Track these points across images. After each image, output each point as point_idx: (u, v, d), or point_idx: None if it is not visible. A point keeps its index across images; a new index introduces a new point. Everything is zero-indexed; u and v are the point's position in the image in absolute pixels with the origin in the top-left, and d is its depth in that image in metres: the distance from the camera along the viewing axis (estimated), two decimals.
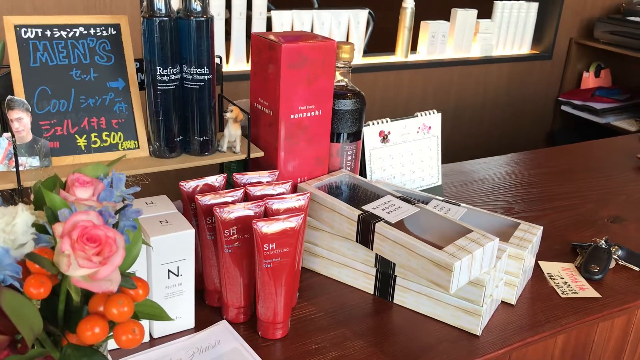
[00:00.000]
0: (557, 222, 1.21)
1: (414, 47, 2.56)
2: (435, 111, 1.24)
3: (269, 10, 2.23)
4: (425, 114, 1.21)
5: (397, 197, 0.94)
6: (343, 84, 1.02)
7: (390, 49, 2.54)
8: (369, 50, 2.62)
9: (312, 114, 0.95)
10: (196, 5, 0.83)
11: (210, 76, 0.88)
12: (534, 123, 2.96)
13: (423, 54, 2.55)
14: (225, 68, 2.14)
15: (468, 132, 2.78)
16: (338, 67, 1.00)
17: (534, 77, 2.86)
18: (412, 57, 2.54)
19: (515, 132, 2.91)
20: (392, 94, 2.52)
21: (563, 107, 2.91)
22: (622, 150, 1.66)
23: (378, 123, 1.13)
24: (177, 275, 0.77)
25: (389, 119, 1.16)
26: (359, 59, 2.44)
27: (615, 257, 1.04)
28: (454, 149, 2.71)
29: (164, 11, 0.82)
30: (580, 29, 2.88)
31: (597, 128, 2.76)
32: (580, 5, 2.83)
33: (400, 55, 2.50)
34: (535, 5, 2.75)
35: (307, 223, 0.94)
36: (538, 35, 2.83)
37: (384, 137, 1.15)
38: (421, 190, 1.19)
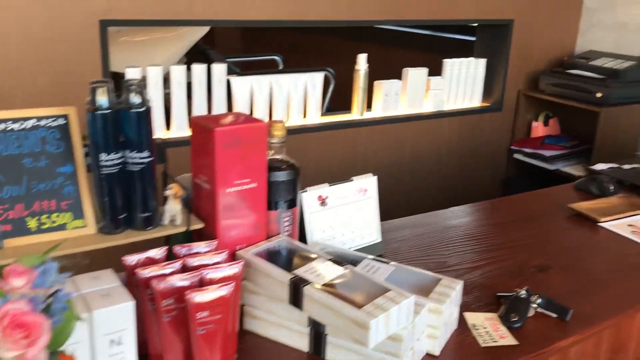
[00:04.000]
0: (487, 274, 1.30)
1: (370, 105, 2.70)
2: (371, 174, 1.34)
3: (231, 73, 2.35)
4: (361, 178, 1.32)
5: (329, 260, 1.02)
6: (278, 157, 1.12)
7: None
8: (332, 108, 2.76)
9: (248, 186, 1.05)
10: (135, 99, 0.93)
11: (151, 158, 0.97)
12: (489, 172, 3.10)
13: (378, 111, 2.69)
14: (189, 132, 2.24)
15: (425, 184, 2.90)
16: (271, 143, 1.10)
17: (486, 128, 3.01)
18: (368, 115, 2.67)
19: (471, 181, 3.04)
20: (351, 150, 2.64)
21: (515, 155, 3.06)
22: (557, 200, 1.77)
23: (316, 188, 1.23)
24: (119, 344, 0.85)
25: (327, 184, 1.26)
26: (317, 119, 2.56)
27: (534, 305, 1.14)
28: (411, 202, 2.83)
29: (106, 105, 0.92)
30: (527, 81, 3.06)
31: (547, 174, 2.90)
32: (525, 59, 3.02)
33: (356, 113, 2.63)
34: (484, 61, 2.93)
35: (246, 287, 1.02)
36: (488, 88, 3.00)
37: (323, 201, 1.24)
38: (360, 249, 1.29)
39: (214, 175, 1.00)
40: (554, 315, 1.13)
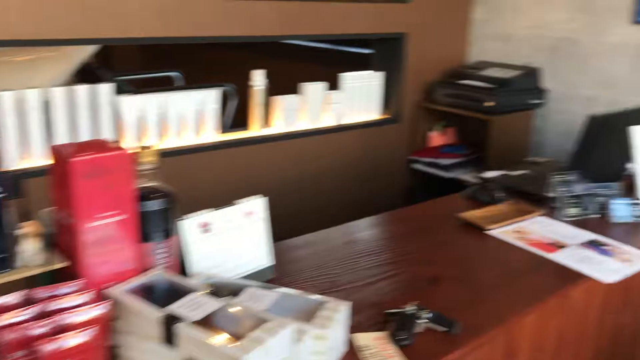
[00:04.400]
0: (379, 290, 1.29)
1: (271, 122, 2.67)
2: (260, 196, 1.30)
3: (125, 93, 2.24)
4: (247, 200, 1.27)
5: (208, 293, 0.97)
6: (150, 185, 1.05)
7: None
8: (237, 124, 2.68)
9: (116, 219, 0.97)
10: None
11: (1, 194, 0.88)
12: (391, 183, 3.14)
13: (278, 127, 2.66)
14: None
15: (329, 199, 2.90)
16: (141, 170, 1.04)
17: (386, 140, 3.06)
18: (268, 131, 2.63)
19: (375, 193, 3.07)
20: (251, 168, 2.59)
21: (415, 165, 3.12)
22: (449, 209, 1.80)
23: (197, 215, 1.17)
24: None
25: (211, 209, 1.20)
26: (215, 137, 2.49)
27: (423, 320, 1.13)
28: (316, 218, 2.80)
29: None
30: (423, 92, 3.14)
31: (446, 182, 2.98)
32: (421, 71, 3.10)
33: (255, 130, 2.59)
34: (381, 73, 2.97)
35: (116, 328, 0.95)
36: (386, 100, 3.05)
37: (206, 228, 1.19)
38: (249, 275, 1.24)
39: (74, 208, 0.92)
40: (444, 329, 1.13)
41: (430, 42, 3.09)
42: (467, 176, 2.95)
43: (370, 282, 1.32)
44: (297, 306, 1.04)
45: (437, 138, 3.18)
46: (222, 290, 1.02)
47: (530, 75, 2.90)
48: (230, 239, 1.22)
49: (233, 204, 1.25)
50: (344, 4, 2.73)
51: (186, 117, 2.39)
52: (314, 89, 2.74)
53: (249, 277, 1.23)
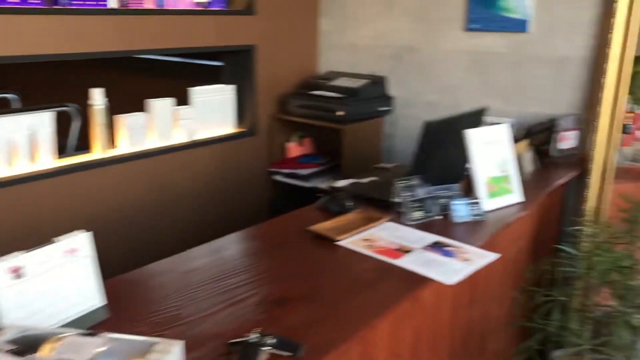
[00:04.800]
0: (224, 319, 1.22)
1: (115, 142, 2.50)
2: (84, 231, 1.18)
3: None
4: (69, 237, 1.15)
5: (7, 352, 0.84)
6: None
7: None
8: (82, 147, 2.47)
9: None
10: None
11: None
12: (253, 197, 3.09)
13: (124, 147, 2.49)
14: None
15: (190, 219, 2.78)
16: None
17: (244, 154, 3.00)
18: (113, 152, 2.47)
19: (237, 209, 3.00)
20: (97, 194, 2.41)
21: (275, 177, 3.10)
22: (301, 223, 1.77)
23: (6, 259, 1.03)
24: None
25: (23, 252, 1.07)
26: (53, 163, 2.28)
27: (266, 348, 1.08)
28: (174, 243, 2.68)
29: None
30: (277, 104, 3.13)
31: (306, 192, 2.98)
32: (273, 83, 3.08)
33: (98, 152, 2.41)
34: (232, 87, 2.91)
35: None
36: (241, 114, 2.99)
37: (17, 273, 1.05)
38: (75, 320, 1.11)
39: None
40: (288, 353, 1.09)
41: (280, 54, 3.08)
42: (325, 184, 2.97)
43: (214, 311, 1.25)
44: (124, 351, 0.94)
45: (295, 149, 3.18)
46: (37, 342, 0.90)
47: (377, 83, 2.99)
48: (48, 282, 1.09)
49: (52, 242, 1.12)
50: (188, 17, 2.64)
51: (17, 142, 2.17)
52: (161, 105, 2.61)
53: (75, 322, 1.11)
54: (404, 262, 1.49)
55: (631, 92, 5.15)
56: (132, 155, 2.51)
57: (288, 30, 3.11)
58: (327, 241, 1.62)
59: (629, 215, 2.28)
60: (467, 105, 2.58)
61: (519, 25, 2.60)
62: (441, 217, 1.82)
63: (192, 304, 1.28)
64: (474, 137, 1.89)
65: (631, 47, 2.36)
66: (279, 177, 3.09)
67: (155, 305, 1.28)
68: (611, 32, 2.34)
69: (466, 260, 1.52)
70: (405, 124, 3.05)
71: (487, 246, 1.85)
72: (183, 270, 1.46)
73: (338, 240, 1.61)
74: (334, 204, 1.85)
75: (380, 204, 1.89)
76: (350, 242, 1.61)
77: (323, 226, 1.68)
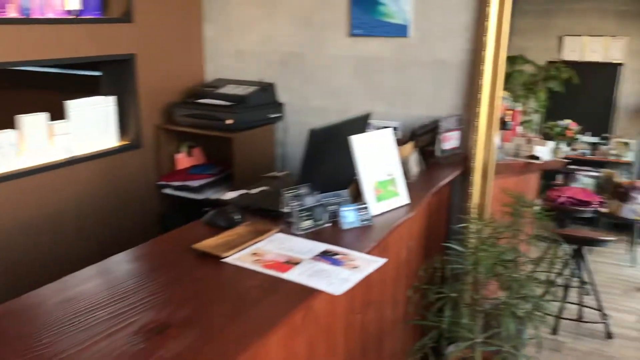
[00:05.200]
0: (99, 353, 1.12)
1: None
2: None
3: None
4: None
5: None
6: None
7: None
8: None
9: None
10: None
11: None
12: (142, 212, 2.95)
13: None
14: None
15: (70, 242, 2.60)
16: None
17: (130, 167, 2.85)
18: None
19: (125, 226, 2.85)
20: None
21: (165, 191, 2.97)
22: (187, 240, 1.68)
23: None
24: None
25: None
26: None
27: None
28: (54, 268, 2.49)
29: None
30: (163, 114, 3.00)
31: (199, 204, 2.88)
32: (158, 93, 2.95)
33: None
34: (113, 98, 2.76)
35: None
36: (123, 126, 2.84)
37: None
38: None
39: None
40: None
41: (163, 62, 2.97)
42: (218, 195, 2.89)
43: (88, 345, 1.15)
44: None
45: (184, 160, 3.07)
46: None
47: (266, 90, 2.95)
48: None
49: None
50: (58, 26, 2.46)
51: None
52: (33, 121, 2.42)
53: None
54: (292, 274, 1.46)
55: (510, 90, 5.48)
56: (1, 177, 2.30)
57: (170, 37, 3.00)
58: (213, 259, 1.56)
59: (511, 209, 2.40)
60: (355, 110, 2.60)
61: (399, 30, 2.67)
62: (331, 224, 1.80)
63: (66, 339, 1.17)
64: (358, 142, 1.90)
65: (504, 49, 2.48)
66: (169, 191, 2.97)
67: (28, 341, 1.16)
68: (485, 35, 2.45)
69: (354, 267, 1.51)
70: (297, 130, 3.04)
71: (377, 250, 1.86)
72: (61, 299, 1.34)
73: (224, 257, 1.55)
74: (221, 218, 1.78)
75: (270, 215, 1.85)
76: (237, 258, 1.55)
77: (209, 243, 1.62)
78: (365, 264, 1.54)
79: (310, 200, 1.79)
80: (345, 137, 1.92)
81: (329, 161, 1.95)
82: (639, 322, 3.42)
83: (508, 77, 5.54)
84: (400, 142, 2.51)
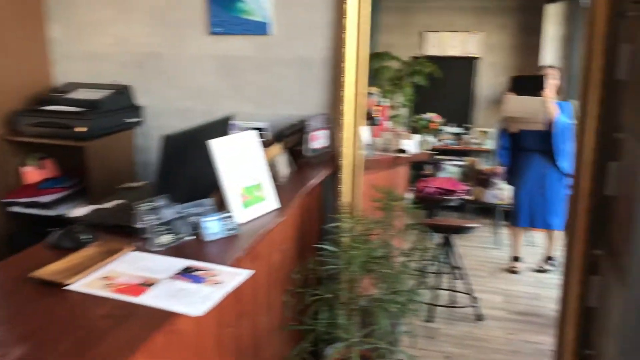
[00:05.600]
0: None
1: None
2: None
3: None
4: None
5: None
6: None
7: None
8: None
9: None
10: None
11: None
12: None
13: None
14: None
15: None
16: None
17: None
18: None
19: None
20: None
21: (11, 209, 2.67)
22: (28, 267, 1.49)
23: None
24: None
25: None
26: None
27: None
28: None
29: None
30: (4, 124, 2.69)
31: (53, 222, 2.62)
32: None
33: None
34: None
35: None
36: None
37: None
38: None
39: None
40: None
41: (2, 67, 2.65)
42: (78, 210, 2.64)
43: None
44: None
45: (33, 173, 2.78)
46: None
47: (121, 93, 2.75)
48: None
49: None
50: None
51: None
52: None
53: None
54: (147, 298, 1.32)
55: (378, 86, 5.61)
56: None
57: (6, 39, 2.69)
58: (56, 287, 1.38)
59: (381, 204, 2.42)
60: (222, 111, 2.48)
61: (260, 28, 2.59)
62: (193, 237, 1.68)
63: None
64: (218, 147, 1.79)
65: (365, 46, 2.48)
66: (16, 209, 2.67)
67: None
68: (344, 33, 2.44)
69: (217, 283, 1.41)
70: (159, 134, 2.84)
71: (246, 260, 1.77)
72: None
73: (68, 285, 1.37)
74: (66, 239, 1.59)
75: (124, 231, 1.69)
76: (84, 284, 1.38)
77: (51, 269, 1.43)
78: (229, 279, 1.44)
79: (168, 213, 1.65)
80: (204, 142, 1.81)
81: (188, 169, 1.82)
82: (504, 302, 3.64)
83: (376, 73, 5.70)
84: (268, 144, 2.44)
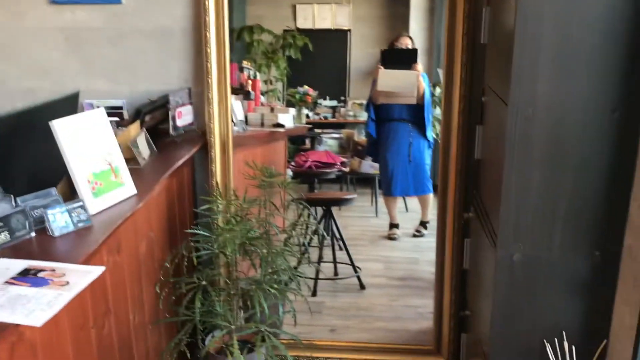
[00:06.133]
0: None
1: None
2: None
3: None
4: None
5: None
6: None
7: None
8: None
9: None
10: None
11: None
12: None
13: None
14: None
15: None
16: None
17: None
18: None
19: None
20: None
21: None
22: None
23: None
24: None
25: None
26: None
27: None
28: None
29: None
30: None
31: None
32: None
33: None
34: None
35: None
36: None
37: None
38: None
39: None
40: None
41: None
42: None
43: None
44: None
45: None
46: None
47: None
48: None
49: None
50: None
51: None
52: None
53: None
54: None
55: (252, 60, 5.45)
56: None
57: None
58: None
59: (257, 182, 2.30)
60: (72, 89, 2.22)
61: None
62: (34, 234, 1.47)
63: None
64: (62, 128, 1.57)
65: (226, 14, 2.32)
66: None
67: None
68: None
69: (63, 285, 1.23)
70: None
71: (104, 253, 1.59)
72: None
73: None
74: None
75: None
76: None
77: None
78: (78, 278, 1.26)
79: (3, 207, 1.43)
80: (46, 124, 1.58)
81: (27, 155, 1.59)
82: (385, 269, 3.70)
83: (248, 47, 5.53)
84: (127, 123, 2.22)
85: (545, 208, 1.57)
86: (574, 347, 1.66)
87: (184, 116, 2.37)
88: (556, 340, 1.66)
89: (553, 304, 1.66)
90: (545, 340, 1.67)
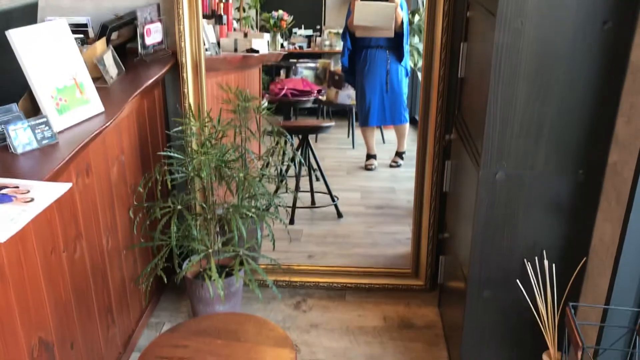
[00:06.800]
0: None
1: None
2: None
3: None
4: None
5: None
6: None
7: None
8: None
9: None
10: None
11: None
12: None
13: None
14: None
15: None
16: None
17: None
18: None
19: None
20: None
21: None
22: None
23: None
24: None
25: None
26: None
27: None
28: None
29: None
30: None
31: None
32: None
33: None
34: None
35: None
36: None
37: None
38: None
39: None
40: None
41: None
42: None
43: None
44: None
45: None
46: None
47: None
48: None
49: None
50: None
51: None
52: None
53: None
54: None
55: None
56: None
57: None
58: None
59: (232, 105, 2.21)
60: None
61: None
62: None
63: None
64: (21, 39, 1.46)
65: None
66: None
67: None
68: None
69: (28, 202, 1.16)
70: None
71: (71, 172, 1.51)
72: None
73: None
74: None
75: None
76: None
77: None
78: (43, 195, 1.19)
79: None
80: (3, 34, 1.46)
81: None
82: (362, 198, 3.68)
83: None
84: (92, 42, 2.09)
85: (531, 125, 1.53)
86: (554, 265, 1.66)
87: (153, 34, 2.23)
88: (536, 258, 1.67)
89: (534, 224, 1.65)
90: (525, 260, 1.68)
